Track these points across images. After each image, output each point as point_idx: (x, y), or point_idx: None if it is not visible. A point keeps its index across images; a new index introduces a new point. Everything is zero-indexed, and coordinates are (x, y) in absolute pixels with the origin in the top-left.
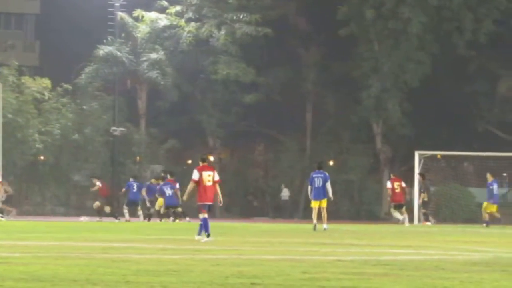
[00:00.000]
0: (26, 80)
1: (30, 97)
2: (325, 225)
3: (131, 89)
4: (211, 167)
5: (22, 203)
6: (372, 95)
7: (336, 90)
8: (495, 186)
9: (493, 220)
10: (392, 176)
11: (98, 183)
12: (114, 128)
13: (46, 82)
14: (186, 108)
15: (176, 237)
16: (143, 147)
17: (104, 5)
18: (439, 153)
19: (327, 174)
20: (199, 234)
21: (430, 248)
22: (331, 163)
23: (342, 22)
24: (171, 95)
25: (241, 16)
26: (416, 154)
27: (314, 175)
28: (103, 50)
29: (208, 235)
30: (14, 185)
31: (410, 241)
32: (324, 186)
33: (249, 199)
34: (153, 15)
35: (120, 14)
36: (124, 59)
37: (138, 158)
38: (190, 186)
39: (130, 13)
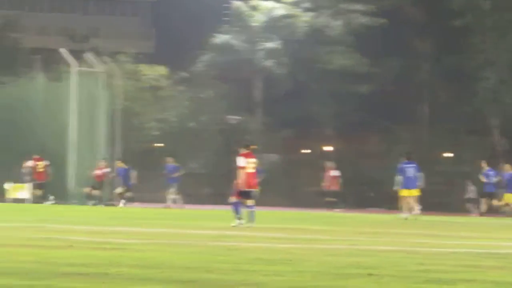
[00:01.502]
0: (143, 67)
1: (147, 84)
2: (410, 213)
3: (247, 77)
4: (254, 154)
5: (138, 190)
6: (488, 87)
7: (449, 81)
8: None
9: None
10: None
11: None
12: (229, 116)
13: (162, 69)
14: (300, 97)
15: (286, 226)
16: (258, 136)
17: None
18: None
19: (417, 164)
20: (252, 222)
21: None
22: (446, 154)
23: (457, 13)
24: (286, 84)
25: (357, 7)
26: None
27: (405, 165)
28: (219, 38)
29: (239, 218)
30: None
31: None
32: (415, 176)
33: (364, 189)
34: (269, 4)
35: (236, 2)
36: (239, 47)
37: (252, 146)
38: (241, 173)
39: (246, 2)
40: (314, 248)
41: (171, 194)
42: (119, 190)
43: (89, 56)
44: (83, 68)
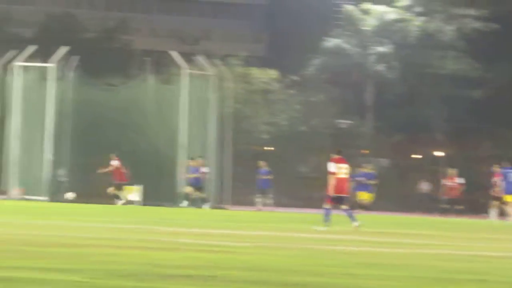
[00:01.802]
0: (253, 70)
1: (257, 87)
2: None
3: (358, 81)
4: (345, 159)
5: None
6: None
7: None
8: None
9: None
10: None
11: None
12: (340, 120)
13: (273, 73)
14: (412, 102)
15: (396, 231)
16: (368, 140)
17: None
18: None
19: None
20: (354, 221)
21: None
22: None
23: None
24: (397, 89)
25: (470, 11)
26: None
27: (506, 171)
28: (330, 42)
29: (326, 225)
30: (242, 175)
31: None
32: None
33: (476, 195)
34: (381, 8)
35: (348, 6)
36: (351, 51)
37: (363, 151)
38: (331, 178)
39: (356, 6)
40: (425, 253)
41: (264, 198)
42: (188, 189)
43: (200, 59)
44: (194, 71)
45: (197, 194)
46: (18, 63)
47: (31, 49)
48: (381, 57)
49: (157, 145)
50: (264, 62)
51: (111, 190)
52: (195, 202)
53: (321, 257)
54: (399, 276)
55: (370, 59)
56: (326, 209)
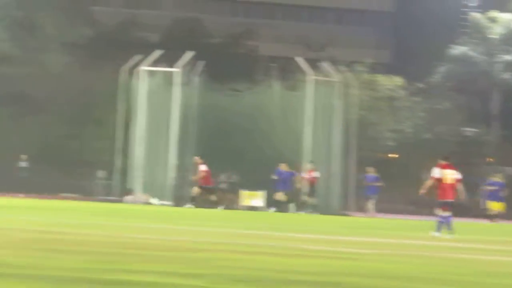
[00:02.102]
0: (379, 77)
1: (383, 94)
2: None
3: (484, 89)
4: (452, 165)
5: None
6: None
7: None
8: None
9: None
10: None
11: None
12: (465, 128)
13: (399, 80)
14: None
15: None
16: (494, 149)
17: (457, 6)
18: None
19: None
20: (438, 231)
21: None
22: None
23: None
24: None
25: None
26: None
27: None
28: (456, 50)
29: (451, 233)
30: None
31: None
32: None
33: None
34: (508, 16)
35: (475, 14)
36: (477, 59)
37: (489, 159)
38: (429, 182)
39: (483, 14)
40: None
41: (371, 204)
42: (279, 196)
43: (325, 65)
44: (319, 77)
45: (310, 200)
46: (144, 68)
47: (157, 53)
48: (508, 65)
49: (282, 151)
50: (389, 69)
51: (196, 192)
52: (304, 207)
53: (445, 265)
54: None
55: (496, 67)
56: (445, 216)
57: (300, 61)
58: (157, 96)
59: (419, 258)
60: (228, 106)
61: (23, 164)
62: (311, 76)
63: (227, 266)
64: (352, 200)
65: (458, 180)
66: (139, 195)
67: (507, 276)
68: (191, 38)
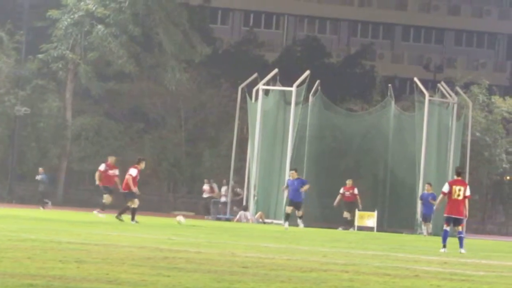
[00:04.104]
0: (496, 99)
1: (499, 116)
2: None
3: None
4: (464, 181)
5: (486, 222)
6: None
7: None
8: None
9: None
10: None
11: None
12: None
13: None
14: None
15: None
16: None
17: None
18: None
19: None
20: (461, 247)
21: None
22: None
23: None
24: None
25: None
26: None
27: None
28: None
29: (444, 246)
30: (479, 204)
31: None
32: None
33: None
34: None
35: None
36: None
37: None
38: (440, 197)
39: None
40: None
41: (428, 224)
42: (288, 209)
43: (442, 86)
44: (436, 98)
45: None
46: (262, 86)
47: (274, 72)
48: None
49: (396, 172)
50: (506, 91)
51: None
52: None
53: None
54: None
55: None
56: (445, 230)
57: (417, 81)
58: (273, 115)
59: None
60: (343, 126)
61: None
62: (427, 97)
63: (340, 286)
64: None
65: (466, 197)
66: (253, 214)
67: None
68: (308, 57)
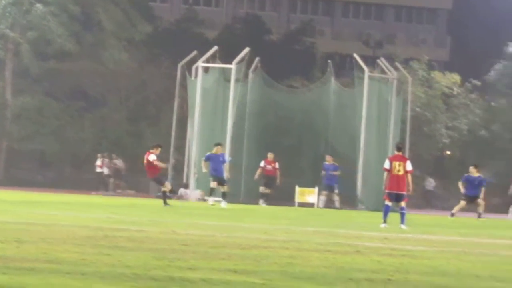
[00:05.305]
0: (436, 75)
1: (439, 92)
2: None
3: None
4: (404, 156)
5: (427, 197)
6: None
7: None
8: None
9: None
10: None
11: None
12: None
13: (455, 77)
14: None
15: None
16: None
17: None
18: None
19: None
20: (402, 222)
21: None
22: None
23: None
24: None
25: None
26: None
27: None
28: None
29: (384, 222)
30: (419, 179)
31: None
32: None
33: None
34: None
35: None
36: None
37: None
38: (385, 175)
39: None
40: None
41: (330, 195)
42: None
43: (382, 62)
44: (375, 74)
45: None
46: (201, 64)
47: (214, 49)
48: None
49: (337, 147)
50: (446, 67)
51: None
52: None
53: (504, 262)
54: None
55: None
56: (386, 205)
57: (357, 57)
58: (212, 92)
59: (478, 256)
60: (284, 102)
61: None
62: (367, 73)
63: (282, 263)
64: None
65: (407, 172)
66: (194, 191)
67: None
68: (248, 34)
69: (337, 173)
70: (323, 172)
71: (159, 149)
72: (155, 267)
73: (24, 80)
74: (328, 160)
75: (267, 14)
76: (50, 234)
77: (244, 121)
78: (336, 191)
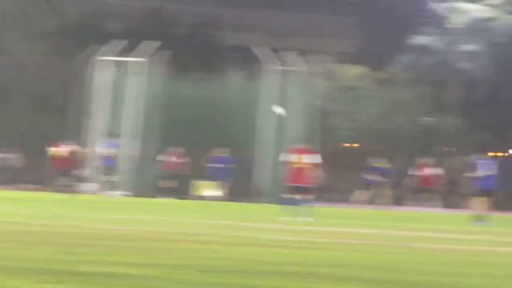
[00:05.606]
0: (340, 67)
1: (345, 84)
2: None
3: (445, 79)
4: (306, 149)
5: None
6: None
7: None
8: None
9: None
10: None
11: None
12: (426, 118)
13: (361, 69)
14: (500, 101)
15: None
16: (454, 139)
17: None
18: None
19: None
20: (306, 215)
21: None
22: None
23: None
24: (486, 88)
25: None
26: None
27: None
28: (418, 40)
29: (288, 214)
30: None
31: None
32: None
33: None
34: (470, 6)
35: (436, 4)
36: (439, 49)
37: (448, 148)
38: (285, 168)
39: (446, 4)
40: None
41: (220, 186)
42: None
43: (288, 55)
44: (278, 67)
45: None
46: (105, 57)
47: (118, 42)
48: (470, 55)
49: (239, 141)
50: (353, 59)
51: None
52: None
53: (414, 254)
54: (506, 275)
55: (458, 57)
56: (288, 199)
57: (260, 50)
58: (116, 86)
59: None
60: (188, 95)
61: None
62: (273, 66)
63: (186, 257)
64: None
65: (314, 164)
66: (98, 185)
67: (487, 265)
68: (155, 27)
69: (229, 166)
70: (215, 165)
71: (64, 142)
72: (60, 261)
73: None
74: (220, 152)
75: (173, 7)
76: None
77: (150, 115)
78: (226, 183)
